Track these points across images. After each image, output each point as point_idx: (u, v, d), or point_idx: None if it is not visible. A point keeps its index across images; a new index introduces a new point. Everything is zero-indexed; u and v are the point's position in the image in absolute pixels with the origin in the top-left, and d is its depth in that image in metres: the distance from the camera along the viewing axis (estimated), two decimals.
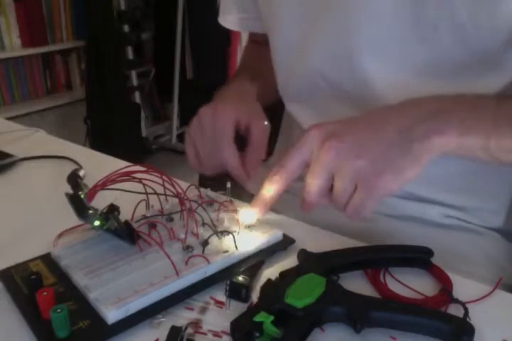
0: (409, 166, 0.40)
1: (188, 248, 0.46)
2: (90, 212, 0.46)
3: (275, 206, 0.69)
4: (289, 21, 0.61)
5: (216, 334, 0.39)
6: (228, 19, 0.73)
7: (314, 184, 0.42)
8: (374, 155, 0.40)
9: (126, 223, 0.48)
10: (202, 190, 0.57)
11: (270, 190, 0.45)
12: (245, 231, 0.50)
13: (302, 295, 0.39)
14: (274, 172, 0.44)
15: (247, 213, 0.49)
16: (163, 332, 0.39)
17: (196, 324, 0.40)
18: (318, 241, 0.51)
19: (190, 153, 0.57)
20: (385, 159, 0.40)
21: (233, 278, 0.43)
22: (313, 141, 0.43)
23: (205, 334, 0.39)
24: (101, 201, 0.47)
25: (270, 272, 0.45)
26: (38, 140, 0.85)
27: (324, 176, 0.42)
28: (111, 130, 2.44)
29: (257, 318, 0.37)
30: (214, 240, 0.48)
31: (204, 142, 0.56)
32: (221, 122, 0.54)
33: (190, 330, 0.39)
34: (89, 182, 0.48)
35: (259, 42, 0.73)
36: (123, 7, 2.49)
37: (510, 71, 0.52)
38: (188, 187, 0.54)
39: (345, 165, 0.40)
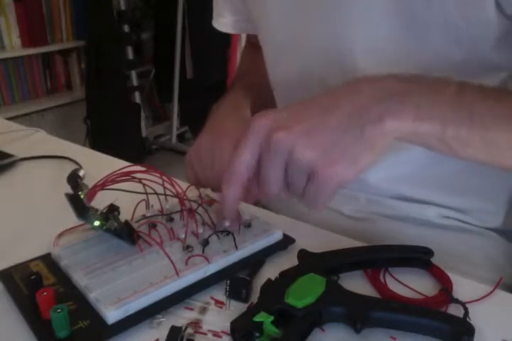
0: (362, 154, 0.38)
1: (188, 248, 0.46)
2: (90, 212, 0.46)
3: (275, 206, 0.70)
4: (278, 21, 0.60)
5: (216, 334, 0.39)
6: (222, 22, 0.74)
7: (270, 178, 0.40)
8: (324, 145, 0.38)
9: (126, 223, 0.48)
10: (202, 190, 0.57)
11: (231, 196, 0.43)
12: (245, 230, 0.50)
13: (302, 295, 0.39)
14: (226, 179, 0.42)
15: (221, 224, 0.49)
16: (163, 332, 0.39)
17: (196, 324, 0.40)
18: (318, 241, 0.51)
19: (191, 177, 0.62)
20: (336, 148, 0.38)
21: (233, 277, 0.43)
22: (259, 135, 0.40)
23: (205, 334, 0.39)
24: (101, 201, 0.47)
25: (270, 272, 0.45)
26: (38, 140, 0.85)
27: (278, 170, 0.40)
28: (111, 130, 2.44)
29: (257, 318, 0.37)
30: (214, 240, 0.48)
31: (204, 172, 0.60)
32: (221, 159, 0.57)
33: (190, 330, 0.39)
34: (89, 182, 0.48)
35: (256, 45, 0.73)
36: (123, 7, 2.49)
37: (502, 70, 0.52)
38: (188, 187, 0.54)
39: (295, 158, 0.38)
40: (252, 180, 0.42)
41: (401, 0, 0.48)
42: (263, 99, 0.71)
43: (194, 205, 0.52)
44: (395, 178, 0.59)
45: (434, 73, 0.50)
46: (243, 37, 2.51)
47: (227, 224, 0.49)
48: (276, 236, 0.50)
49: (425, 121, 0.38)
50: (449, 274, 0.46)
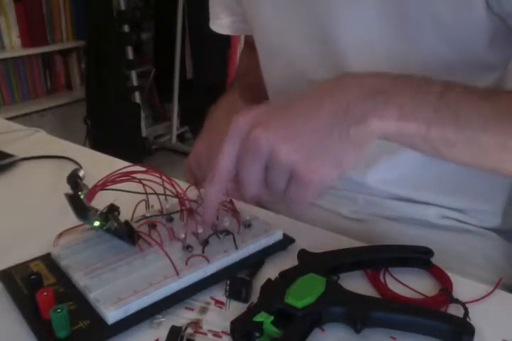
0: (346, 153, 0.37)
1: (188, 248, 0.46)
2: (90, 212, 0.46)
3: (275, 206, 0.69)
4: (269, 22, 0.60)
5: (216, 334, 0.39)
6: (219, 24, 0.73)
7: (248, 178, 0.39)
8: (308, 145, 0.37)
9: (126, 223, 0.48)
10: (202, 190, 0.57)
11: (212, 195, 0.42)
12: (245, 230, 0.50)
13: (302, 295, 0.39)
14: (210, 177, 0.41)
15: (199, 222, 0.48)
16: (163, 332, 0.39)
17: (196, 324, 0.40)
18: (318, 241, 0.51)
19: (190, 180, 0.63)
20: (320, 148, 0.37)
21: (233, 277, 0.43)
22: (240, 132, 0.39)
23: (205, 334, 0.39)
24: (101, 201, 0.47)
25: (270, 272, 0.45)
26: (38, 140, 0.85)
27: (256, 169, 0.38)
28: (111, 130, 2.44)
29: (257, 318, 0.37)
30: (214, 240, 0.48)
31: (203, 175, 0.61)
32: None
33: (190, 330, 0.39)
34: (89, 182, 0.48)
35: (253, 45, 0.73)
36: (123, 7, 2.48)
37: (495, 69, 0.52)
38: (188, 187, 0.54)
39: (276, 157, 0.37)
40: (234, 180, 0.41)
41: (392, 0, 0.48)
42: (261, 99, 0.71)
43: (194, 205, 0.52)
44: (393, 180, 0.59)
45: (426, 73, 0.50)
46: (243, 37, 2.50)
47: (226, 223, 0.49)
48: (276, 236, 0.50)
49: (409, 121, 0.38)
50: (449, 274, 0.46)
